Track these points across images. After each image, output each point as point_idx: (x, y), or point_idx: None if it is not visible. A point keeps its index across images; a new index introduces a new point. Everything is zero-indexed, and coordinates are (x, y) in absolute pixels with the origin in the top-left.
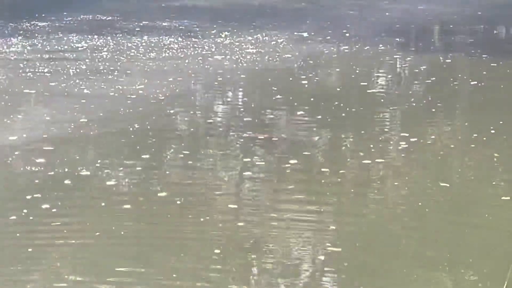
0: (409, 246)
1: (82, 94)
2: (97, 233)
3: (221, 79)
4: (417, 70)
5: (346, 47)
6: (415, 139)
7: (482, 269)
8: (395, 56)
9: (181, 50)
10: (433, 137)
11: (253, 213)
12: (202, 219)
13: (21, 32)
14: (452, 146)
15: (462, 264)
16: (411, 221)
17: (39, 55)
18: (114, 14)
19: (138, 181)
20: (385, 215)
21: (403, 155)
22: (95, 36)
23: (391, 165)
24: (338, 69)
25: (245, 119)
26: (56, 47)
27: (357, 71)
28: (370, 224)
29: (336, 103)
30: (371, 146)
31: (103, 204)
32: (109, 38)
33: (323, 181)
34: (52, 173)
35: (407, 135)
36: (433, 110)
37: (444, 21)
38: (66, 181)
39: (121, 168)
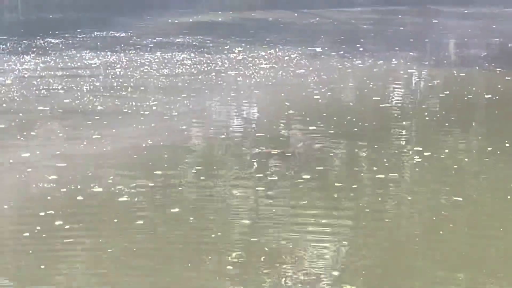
0: (425, 260)
1: (96, 111)
2: (110, 250)
3: (234, 94)
4: (431, 84)
5: (360, 61)
6: (429, 153)
7: (502, 282)
8: (409, 70)
9: (195, 66)
10: (447, 151)
11: (266, 229)
12: (213, 236)
13: (34, 49)
14: (466, 160)
15: (479, 278)
16: (426, 235)
17: (52, 72)
18: (128, 31)
19: (151, 197)
20: (399, 229)
21: (417, 169)
22: (108, 53)
23: (405, 180)
24: (351, 84)
25: (258, 134)
26: (69, 64)
27: (370, 86)
28: (385, 238)
29: (349, 117)
30: (385, 160)
31: (115, 220)
32: (122, 54)
33: (336, 195)
34: (65, 189)
35: (421, 149)
36: (447, 124)
37: (458, 34)
38: (79, 198)
39: (134, 184)
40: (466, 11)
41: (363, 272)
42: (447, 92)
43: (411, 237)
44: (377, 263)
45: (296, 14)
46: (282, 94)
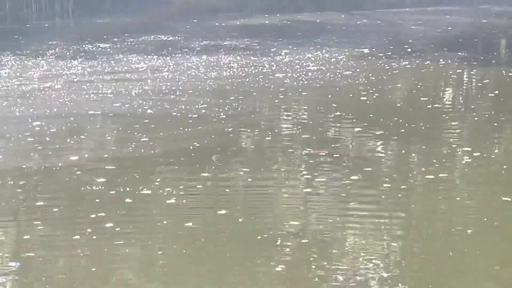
0: (476, 260)
1: (145, 114)
2: (160, 252)
3: (282, 96)
4: (480, 84)
5: (407, 62)
6: (478, 153)
7: None
8: (457, 71)
9: (242, 68)
10: (496, 151)
11: (316, 230)
12: (259, 237)
13: (82, 54)
14: None
15: None
16: (477, 236)
17: (101, 77)
18: (175, 35)
19: (199, 199)
20: (450, 229)
21: (466, 169)
22: (155, 57)
23: (454, 180)
24: (398, 85)
25: (306, 136)
26: (116, 68)
27: (418, 86)
28: (436, 239)
29: (396, 118)
30: (434, 161)
31: (165, 222)
32: (168, 58)
33: (385, 196)
34: (114, 192)
35: (470, 149)
36: (496, 124)
37: (508, 34)
38: (128, 200)
39: (182, 187)
40: None
41: (414, 273)
42: (497, 92)
43: (462, 238)
44: (428, 263)
45: (343, 16)
46: (330, 96)
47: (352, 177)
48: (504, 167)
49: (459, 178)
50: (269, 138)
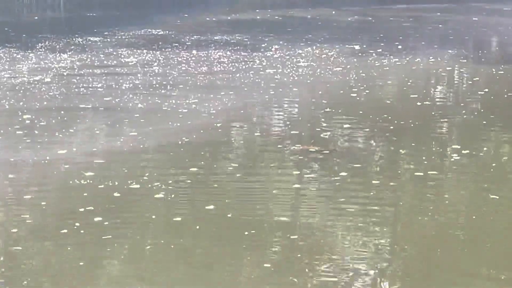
0: (464, 258)
1: (136, 109)
2: (148, 247)
3: (272, 92)
4: (470, 82)
5: (398, 59)
6: (467, 151)
7: None
8: (447, 68)
9: (232, 64)
10: (485, 149)
11: (304, 226)
12: (246, 233)
13: (72, 47)
14: (505, 158)
15: None
16: (465, 234)
17: (91, 70)
18: (166, 29)
19: (188, 194)
20: (438, 227)
21: (455, 167)
22: (145, 51)
23: (443, 177)
24: (389, 82)
25: (295, 131)
26: (105, 62)
27: (409, 84)
28: (424, 236)
29: (386, 115)
30: (423, 158)
31: (153, 217)
32: (158, 52)
33: (374, 193)
34: (102, 186)
35: (459, 147)
36: (485, 122)
37: (499, 32)
38: (116, 194)
39: (170, 181)
40: (505, 9)
41: (402, 270)
42: (486, 90)
43: (450, 235)
44: (417, 260)
45: (334, 12)
46: (320, 92)
47: (341, 174)
48: (493, 165)
49: (448, 176)
50: (259, 133)
